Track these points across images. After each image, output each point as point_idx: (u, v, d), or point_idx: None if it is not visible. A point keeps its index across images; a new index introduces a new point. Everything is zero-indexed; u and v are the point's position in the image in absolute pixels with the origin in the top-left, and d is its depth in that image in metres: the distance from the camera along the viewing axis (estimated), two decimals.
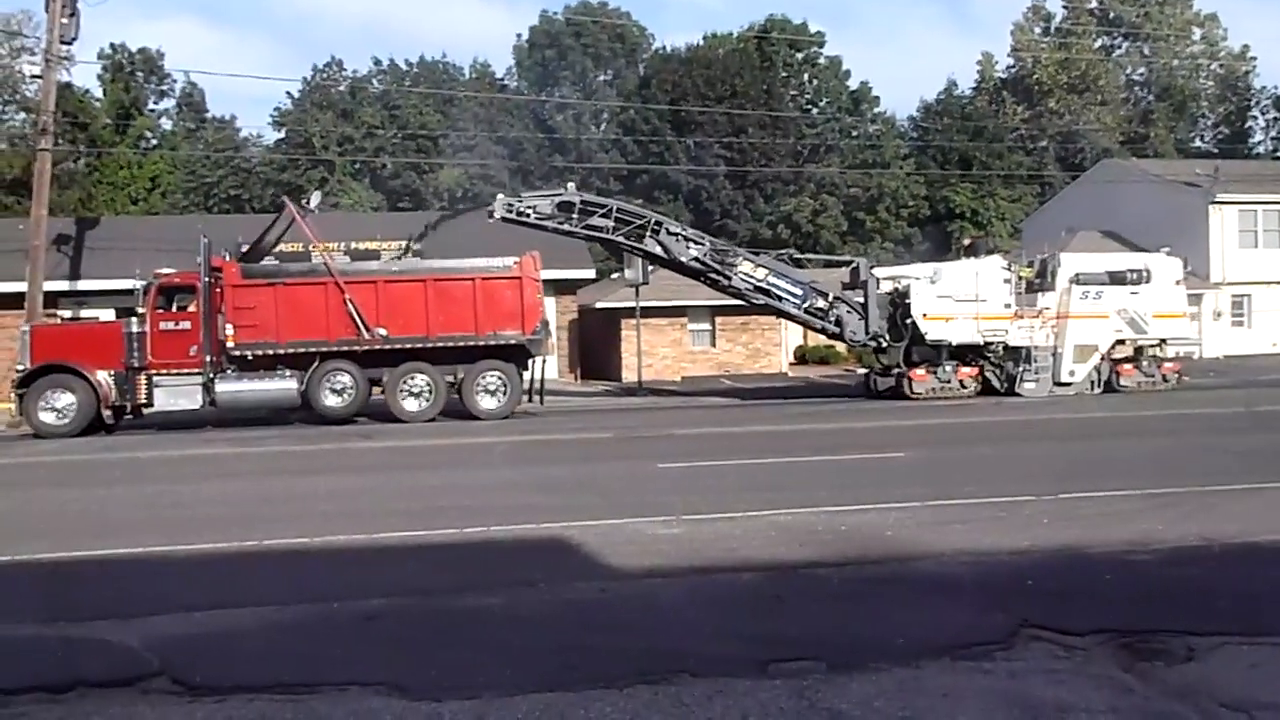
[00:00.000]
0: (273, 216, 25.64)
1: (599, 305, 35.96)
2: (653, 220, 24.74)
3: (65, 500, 12.35)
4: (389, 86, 66.24)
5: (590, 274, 36.18)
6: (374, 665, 5.69)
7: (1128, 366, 25.33)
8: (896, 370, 25.00)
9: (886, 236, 59.61)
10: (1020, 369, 24.53)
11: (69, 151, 51.55)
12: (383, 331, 21.42)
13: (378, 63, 71.84)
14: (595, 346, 36.81)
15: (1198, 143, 70.18)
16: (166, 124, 69.62)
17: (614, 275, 39.50)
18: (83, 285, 30.39)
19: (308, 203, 31.27)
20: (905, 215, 61.44)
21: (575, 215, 24.15)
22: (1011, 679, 5.29)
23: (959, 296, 24.39)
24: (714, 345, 37.02)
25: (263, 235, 23.58)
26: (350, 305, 21.35)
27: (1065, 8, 70.41)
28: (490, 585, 7.38)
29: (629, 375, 33.76)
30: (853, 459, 14.11)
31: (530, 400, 22.91)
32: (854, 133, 65.42)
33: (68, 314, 26.26)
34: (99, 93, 64.29)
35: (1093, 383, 25.02)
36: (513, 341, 21.96)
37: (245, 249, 22.93)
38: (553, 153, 60.50)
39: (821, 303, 24.97)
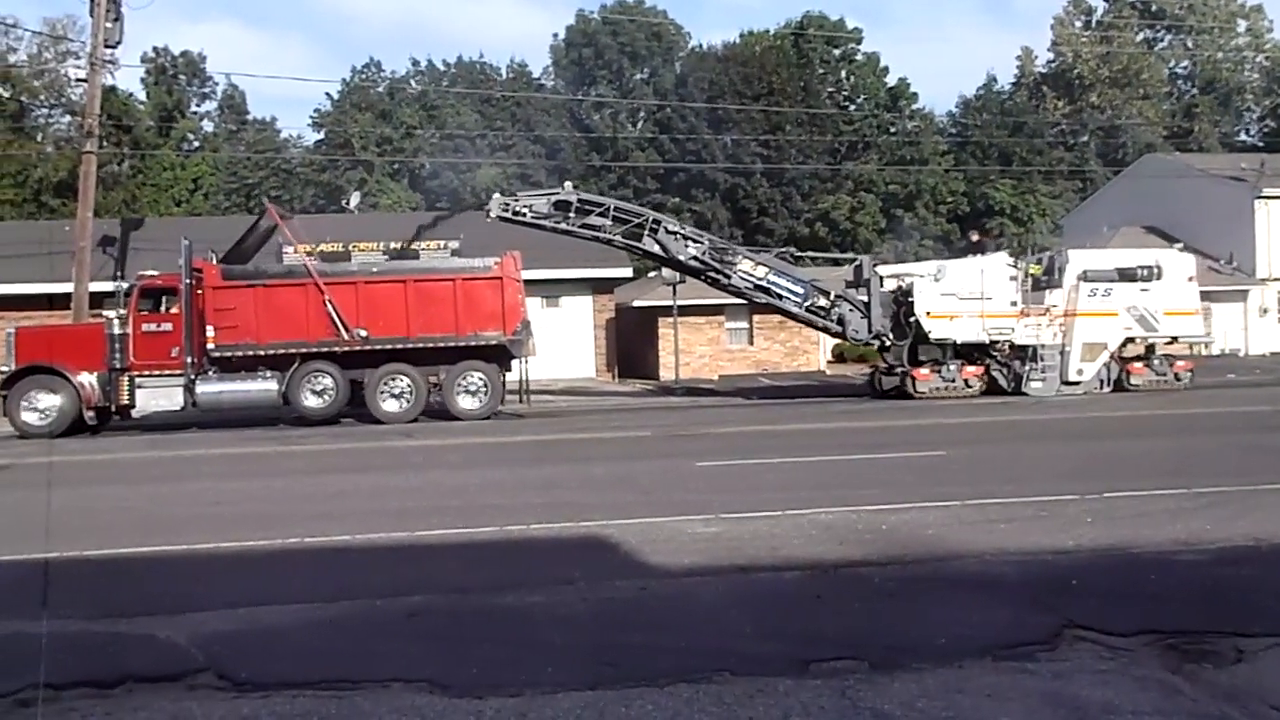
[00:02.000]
0: (254, 219, 25.70)
1: (636, 304, 35.99)
2: (651, 219, 24.50)
3: (113, 498, 12.51)
4: (427, 87, 66.67)
5: (627, 273, 36.21)
6: (416, 662, 5.72)
7: (1138, 365, 24.83)
8: (900, 369, 24.69)
9: (925, 233, 59.21)
10: (1027, 368, 24.12)
11: (113, 154, 52.33)
12: (363, 332, 21.39)
13: (415, 63, 72.45)
14: (632, 345, 36.83)
15: (1243, 136, 69.20)
16: (208, 126, 70.61)
17: (651, 274, 39.50)
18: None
19: (348, 203, 31.45)
20: (944, 212, 61.01)
21: (572, 214, 23.99)
22: (1056, 680, 5.24)
23: (963, 294, 24.02)
24: (751, 344, 36.93)
25: (243, 238, 23.69)
26: (330, 306, 21.32)
27: (1107, 1, 69.61)
28: (530, 583, 7.40)
29: (666, 374, 33.78)
30: (892, 457, 14.02)
31: (521, 401, 22.85)
32: (892, 129, 65.03)
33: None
34: (142, 95, 65.41)
35: (1101, 381, 24.52)
36: (494, 342, 21.85)
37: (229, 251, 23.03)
38: (590, 152, 60.60)
39: (823, 301, 24.70)
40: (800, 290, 24.67)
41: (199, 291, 21.40)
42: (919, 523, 9.16)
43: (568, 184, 25.98)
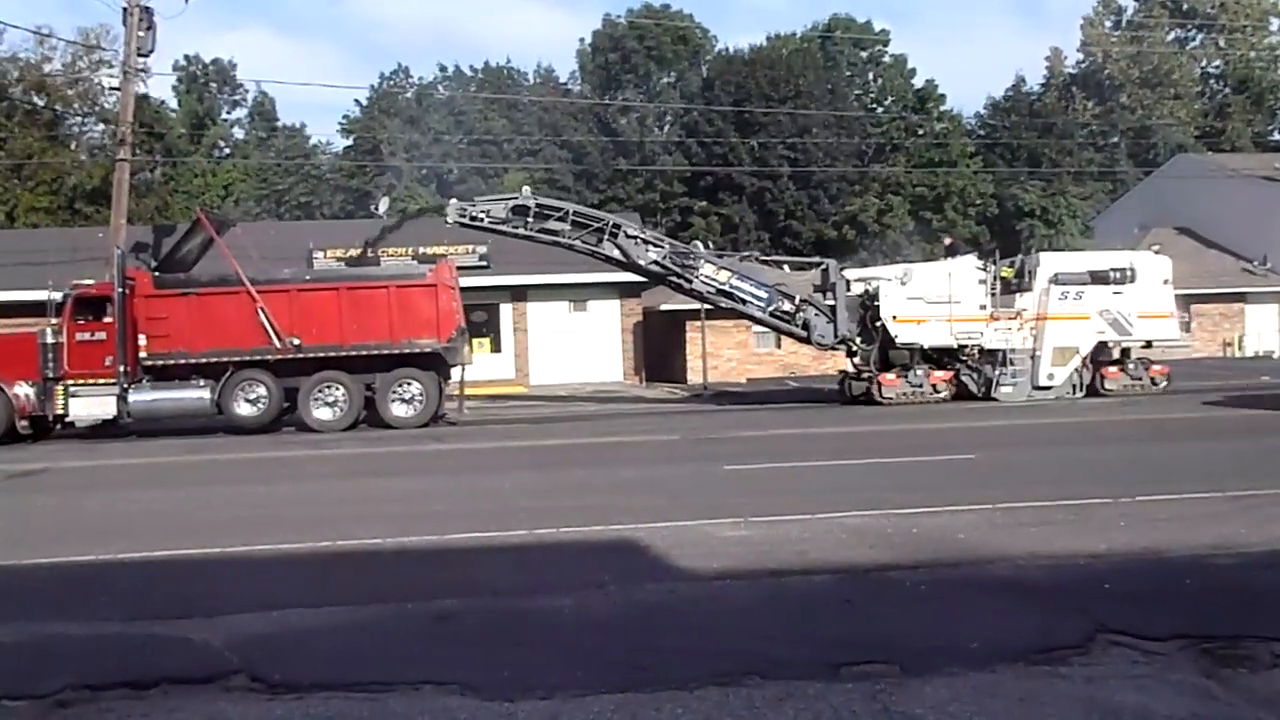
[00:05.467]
0: (185, 227, 25.72)
1: (663, 308, 35.98)
2: (610, 223, 24.32)
3: (148, 501, 12.66)
4: (454, 92, 66.95)
5: None
6: (448, 665, 5.76)
7: (1113, 369, 24.32)
8: (867, 374, 24.40)
9: (954, 235, 58.85)
10: (997, 373, 23.67)
11: (146, 161, 52.82)
12: (296, 340, 21.29)
13: (443, 69, 72.79)
14: (660, 349, 36.86)
15: (1276, 135, 68.39)
16: (239, 133, 71.26)
17: None
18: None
19: (376, 208, 31.68)
20: (973, 214, 60.67)
21: (530, 219, 23.84)
22: (1089, 684, 5.21)
23: (931, 298, 23.63)
24: (779, 347, 36.79)
25: (177, 247, 23.68)
26: (263, 314, 21.21)
27: (1137, 0, 69.05)
28: (561, 586, 7.43)
29: (694, 378, 33.78)
30: (922, 461, 13.97)
31: (459, 410, 22.76)
32: (920, 131, 64.69)
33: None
34: (174, 103, 66.12)
35: (1074, 386, 24.01)
36: (428, 349, 21.64)
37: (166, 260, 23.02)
38: (616, 156, 60.67)
39: (788, 305, 24.40)
40: (764, 295, 24.41)
41: (134, 300, 21.36)
42: (949, 526, 9.12)
43: (526, 188, 25.63)
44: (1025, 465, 13.70)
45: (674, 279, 24.61)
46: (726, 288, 24.36)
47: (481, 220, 23.87)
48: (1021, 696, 5.06)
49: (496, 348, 34.81)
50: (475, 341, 33.66)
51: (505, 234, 24.51)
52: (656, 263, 24.18)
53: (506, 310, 35.03)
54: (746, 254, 26.92)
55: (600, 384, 33.71)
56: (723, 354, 35.72)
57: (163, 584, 8.16)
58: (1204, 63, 70.31)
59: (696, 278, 24.26)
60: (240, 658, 5.95)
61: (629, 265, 24.72)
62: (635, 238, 24.21)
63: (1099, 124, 65.90)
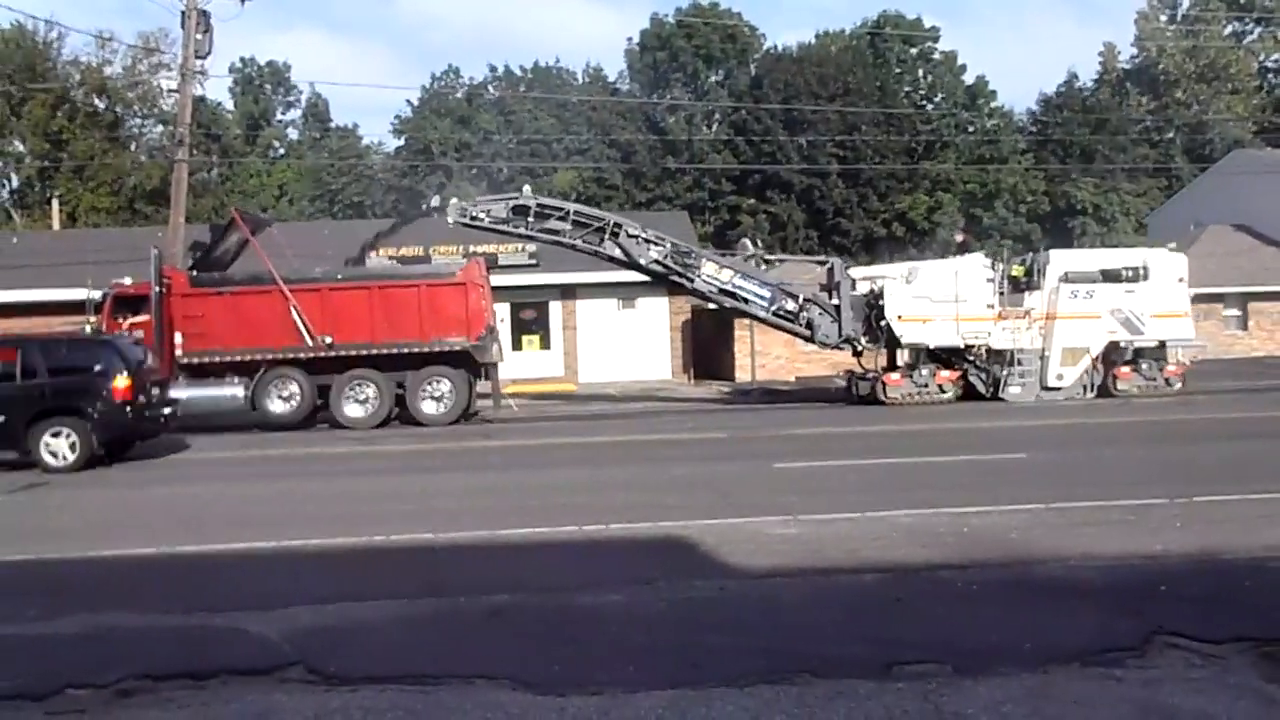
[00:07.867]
0: (221, 227, 25.94)
1: (711, 306, 35.87)
2: (611, 222, 24.11)
3: (204, 496, 12.87)
4: (504, 92, 67.34)
5: None
6: (499, 659, 5.82)
7: (1125, 369, 23.71)
8: (872, 374, 24.12)
9: (1005, 233, 58.23)
10: (1005, 372, 23.21)
11: (203, 161, 53.70)
12: (328, 339, 21.41)
13: (493, 69, 73.32)
14: (708, 347, 36.74)
15: None
16: (293, 133, 72.22)
17: None
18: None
19: (427, 206, 31.98)
20: (1024, 211, 59.94)
21: (531, 218, 23.73)
22: (1145, 687, 5.15)
23: (937, 297, 23.16)
24: None
25: (213, 246, 23.81)
26: (295, 313, 21.35)
27: None
28: (610, 582, 7.47)
29: (743, 376, 33.66)
30: (971, 460, 13.84)
31: (496, 407, 22.75)
32: (970, 128, 64.04)
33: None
34: (230, 105, 67.16)
35: (1085, 387, 23.46)
36: (458, 348, 21.67)
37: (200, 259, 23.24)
38: (665, 154, 60.69)
39: (791, 305, 24.11)
40: (767, 294, 24.17)
41: (170, 299, 21.58)
42: (1001, 526, 9.04)
43: (526, 188, 25.38)
44: (1074, 465, 13.51)
45: (676, 278, 24.46)
46: (729, 287, 24.15)
47: (482, 220, 23.85)
48: (1076, 699, 5.02)
49: (546, 345, 34.92)
50: (525, 339, 33.87)
51: (506, 234, 24.55)
52: (658, 262, 24.04)
53: (556, 308, 35.10)
54: (751, 253, 26.61)
55: (649, 381, 33.68)
56: (771, 352, 35.49)
57: (219, 577, 8.31)
58: (1262, 56, 68.84)
59: (698, 277, 24.11)
60: (296, 650, 6.05)
61: (630, 264, 24.54)
62: (636, 237, 24.03)
63: (1153, 120, 64.80)
